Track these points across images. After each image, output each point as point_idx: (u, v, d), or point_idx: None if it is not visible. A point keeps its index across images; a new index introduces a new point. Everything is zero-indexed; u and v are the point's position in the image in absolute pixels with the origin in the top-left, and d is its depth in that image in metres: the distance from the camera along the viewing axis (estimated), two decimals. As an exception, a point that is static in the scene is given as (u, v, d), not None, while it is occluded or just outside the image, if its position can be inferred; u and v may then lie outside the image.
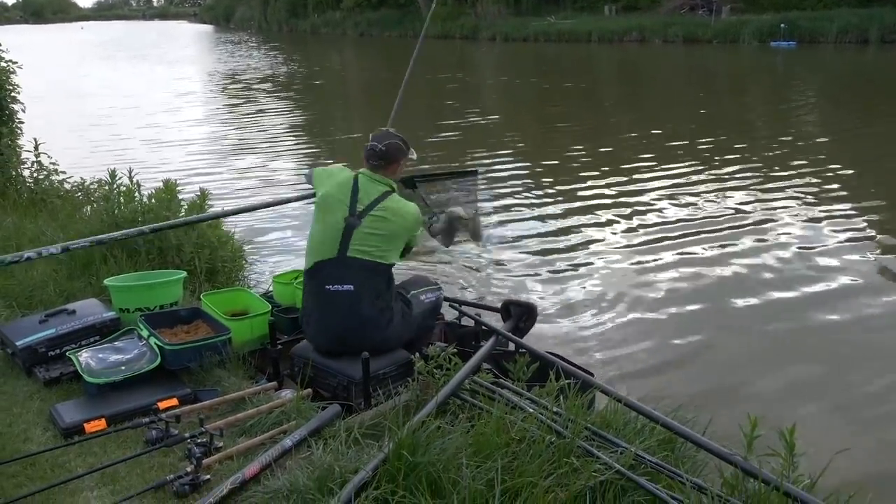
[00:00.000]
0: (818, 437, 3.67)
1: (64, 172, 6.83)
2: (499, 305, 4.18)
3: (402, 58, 33.01)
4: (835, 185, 8.87)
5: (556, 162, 11.13)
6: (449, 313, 4.20)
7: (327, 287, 3.34)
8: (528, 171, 10.46)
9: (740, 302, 5.66)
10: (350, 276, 3.31)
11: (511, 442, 2.50)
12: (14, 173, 6.89)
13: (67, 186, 6.76)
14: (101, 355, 3.39)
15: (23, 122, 7.41)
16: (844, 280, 6.00)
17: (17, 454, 2.78)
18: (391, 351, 3.45)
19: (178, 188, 5.08)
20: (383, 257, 3.35)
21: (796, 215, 7.73)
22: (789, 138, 12.16)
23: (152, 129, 14.78)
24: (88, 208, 6.08)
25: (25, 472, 2.70)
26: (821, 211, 7.84)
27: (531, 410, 2.76)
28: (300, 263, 5.73)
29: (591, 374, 3.44)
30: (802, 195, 8.47)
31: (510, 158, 11.26)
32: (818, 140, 12.29)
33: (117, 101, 19.56)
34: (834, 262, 6.38)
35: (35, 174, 6.72)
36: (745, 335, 5.15)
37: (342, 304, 3.32)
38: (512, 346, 3.85)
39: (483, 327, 3.92)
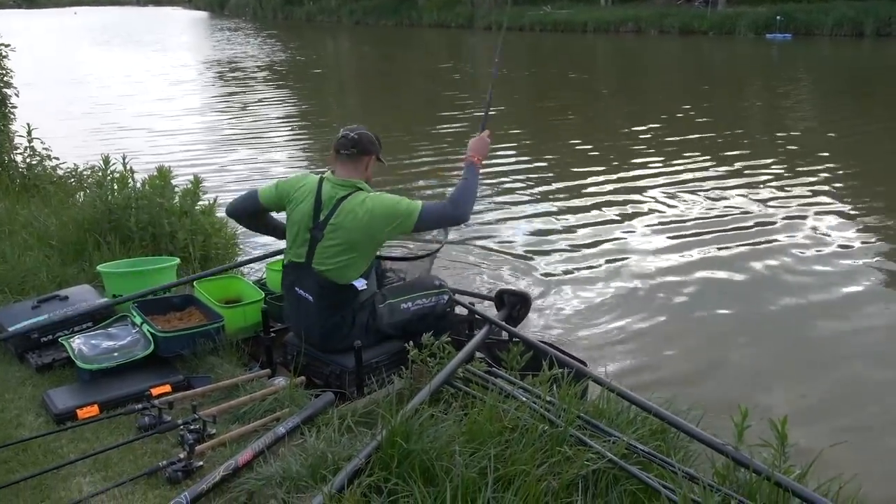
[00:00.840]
0: (812, 430, 3.70)
1: (57, 158, 6.80)
2: (493, 294, 4.19)
3: (398, 47, 32.74)
4: (837, 184, 8.77)
5: (554, 153, 11.13)
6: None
7: (296, 289, 3.40)
8: (525, 162, 10.44)
9: (737, 296, 5.66)
10: (311, 286, 3.33)
11: (504, 430, 2.51)
12: (6, 159, 6.86)
13: (60, 172, 6.73)
14: (93, 342, 3.38)
15: (16, 107, 7.37)
16: (840, 278, 5.98)
17: (9, 440, 2.78)
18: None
19: (172, 175, 5.05)
20: (341, 275, 3.27)
21: (794, 212, 7.70)
22: (788, 133, 12.11)
23: (147, 117, 14.70)
24: (81, 194, 6.06)
25: (17, 458, 2.70)
26: (819, 208, 7.79)
27: (524, 399, 2.77)
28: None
29: (585, 364, 3.45)
30: (801, 192, 8.41)
31: (508, 149, 11.25)
32: (817, 134, 12.24)
33: (112, 88, 19.47)
34: (831, 259, 6.35)
35: (28, 160, 6.68)
36: (742, 329, 5.15)
37: (306, 309, 3.37)
38: (505, 335, 3.86)
39: (476, 316, 3.92)
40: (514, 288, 4.25)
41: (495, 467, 2.28)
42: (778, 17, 29.73)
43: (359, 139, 3.37)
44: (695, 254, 6.50)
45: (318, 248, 3.29)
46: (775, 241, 6.79)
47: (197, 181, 5.06)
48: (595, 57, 28.52)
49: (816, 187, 8.57)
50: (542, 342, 3.54)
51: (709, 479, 2.37)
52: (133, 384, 3.16)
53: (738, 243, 6.73)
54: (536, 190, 8.82)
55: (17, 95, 7.28)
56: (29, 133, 6.44)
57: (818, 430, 3.73)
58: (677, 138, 11.67)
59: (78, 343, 3.36)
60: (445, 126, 13.21)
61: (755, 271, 6.11)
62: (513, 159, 10.55)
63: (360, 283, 3.32)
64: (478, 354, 3.46)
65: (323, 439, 2.61)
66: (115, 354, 3.30)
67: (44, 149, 6.64)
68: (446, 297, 3.60)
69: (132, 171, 5.06)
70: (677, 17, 33.89)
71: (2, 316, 3.63)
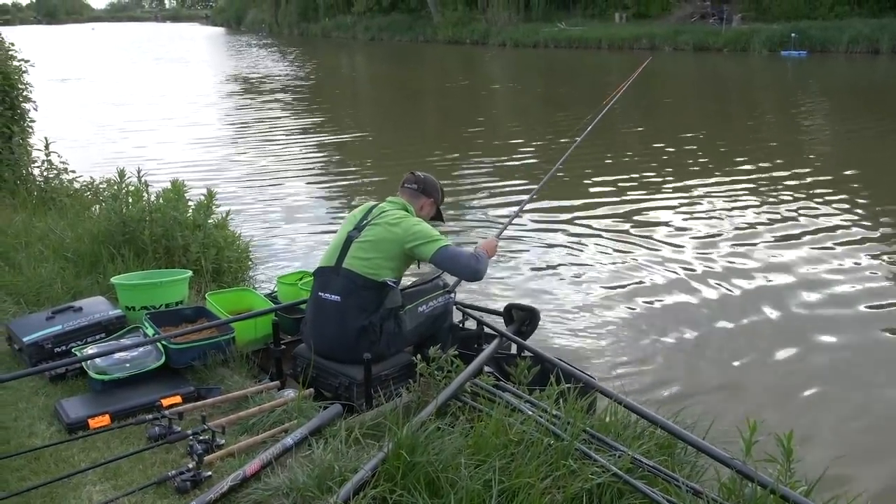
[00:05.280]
0: (821, 446, 3.69)
1: (74, 171, 6.88)
2: (501, 309, 4.20)
3: (418, 66, 32.41)
4: (855, 200, 8.71)
5: (564, 169, 11.12)
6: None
7: (320, 293, 3.43)
8: (536, 177, 10.45)
9: (747, 311, 5.64)
10: (339, 287, 3.36)
11: (510, 444, 2.52)
12: (25, 172, 6.95)
13: (77, 186, 6.82)
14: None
15: (34, 121, 7.48)
16: (851, 290, 5.98)
17: (22, 448, 2.81)
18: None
19: (186, 188, 5.11)
20: (374, 272, 3.33)
21: (805, 225, 7.72)
22: (803, 151, 12.04)
23: (166, 131, 14.86)
24: (97, 207, 6.13)
25: (30, 466, 2.74)
26: (831, 223, 7.77)
27: (530, 413, 2.78)
28: (305, 264, 5.81)
29: (593, 378, 3.45)
30: (815, 210, 8.36)
31: (518, 161, 11.29)
32: (833, 153, 12.16)
33: (132, 104, 19.66)
34: (840, 274, 6.35)
35: (45, 173, 6.77)
36: (753, 345, 5.11)
37: (330, 314, 3.38)
38: (514, 350, 3.88)
39: (486, 329, 3.94)
40: (522, 303, 4.25)
41: (500, 480, 2.29)
42: (793, 35, 29.68)
43: (423, 179, 3.72)
44: (706, 271, 6.48)
45: (351, 247, 3.39)
46: (792, 256, 6.76)
47: (210, 195, 5.12)
48: (609, 73, 28.48)
49: (832, 205, 8.50)
50: (550, 356, 3.54)
51: (714, 494, 2.37)
52: (144, 395, 3.19)
53: (751, 261, 6.70)
54: (547, 205, 8.82)
55: (35, 109, 7.39)
56: (46, 147, 6.52)
57: (827, 446, 3.71)
58: (692, 158, 11.56)
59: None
60: (467, 147, 13.13)
61: (771, 287, 6.08)
62: (523, 171, 10.58)
63: (392, 282, 3.39)
64: (486, 369, 3.49)
65: (330, 451, 2.63)
66: (127, 365, 3.34)
67: (61, 162, 6.72)
68: (452, 295, 3.77)
69: (146, 185, 5.13)
70: (691, 34, 33.86)
71: (17, 327, 3.68)
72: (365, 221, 3.47)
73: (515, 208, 4.35)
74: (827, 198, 8.75)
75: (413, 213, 3.57)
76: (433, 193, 3.73)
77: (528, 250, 7.12)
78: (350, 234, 3.44)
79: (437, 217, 3.83)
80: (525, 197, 4.93)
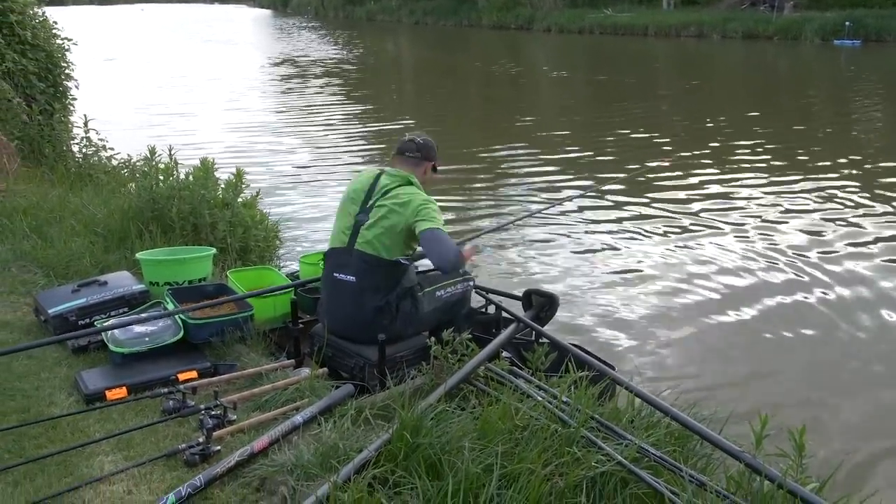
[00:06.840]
0: (839, 445, 3.60)
1: (112, 149, 6.99)
2: (521, 294, 4.16)
3: (463, 51, 32.09)
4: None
5: (599, 157, 11.02)
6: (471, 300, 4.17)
7: (335, 274, 3.43)
8: (562, 164, 10.37)
9: (770, 306, 5.55)
10: (353, 267, 3.35)
11: (515, 429, 2.50)
12: (64, 148, 7.09)
13: (115, 163, 6.93)
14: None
15: (75, 99, 7.61)
16: (871, 289, 5.84)
17: (41, 416, 2.88)
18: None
19: (216, 167, 5.15)
20: (385, 252, 3.32)
21: (836, 221, 7.53)
22: (857, 144, 11.71)
23: (210, 114, 15.07)
24: (133, 185, 6.22)
25: (47, 434, 2.80)
26: (874, 220, 7.60)
27: (540, 398, 2.75)
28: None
29: (612, 367, 3.41)
30: (858, 203, 8.18)
31: (561, 155, 11.19)
32: (890, 145, 11.84)
33: (180, 85, 19.93)
34: (864, 271, 6.20)
35: (83, 150, 6.89)
36: (778, 341, 5.03)
37: (346, 294, 3.38)
38: (534, 336, 3.85)
39: (504, 314, 3.91)
40: (542, 288, 4.21)
41: (501, 465, 2.27)
42: (847, 23, 28.84)
43: (423, 144, 3.63)
44: (732, 266, 6.35)
45: (361, 230, 3.36)
46: (818, 252, 6.63)
47: (239, 174, 5.15)
48: (655, 62, 28.03)
49: (881, 203, 8.25)
50: (569, 343, 3.50)
51: (720, 486, 2.32)
52: (161, 369, 3.24)
53: (779, 257, 6.56)
54: (572, 192, 8.71)
55: (76, 88, 7.52)
56: (85, 124, 6.63)
57: (845, 446, 3.62)
58: (739, 150, 11.27)
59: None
60: (504, 136, 13.02)
61: (794, 283, 5.97)
62: (565, 164, 10.48)
63: (406, 260, 3.38)
64: (504, 354, 3.47)
65: (338, 430, 2.64)
66: (147, 339, 3.39)
67: (99, 139, 6.83)
68: (471, 283, 3.73)
69: (176, 163, 5.18)
70: (741, 22, 33.08)
71: (44, 298, 3.76)
72: (371, 202, 3.42)
73: (503, 221, 4.20)
74: (872, 192, 8.51)
75: (418, 184, 3.50)
76: (432, 155, 3.66)
77: (564, 236, 7.06)
78: (359, 218, 3.40)
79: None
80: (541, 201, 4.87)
